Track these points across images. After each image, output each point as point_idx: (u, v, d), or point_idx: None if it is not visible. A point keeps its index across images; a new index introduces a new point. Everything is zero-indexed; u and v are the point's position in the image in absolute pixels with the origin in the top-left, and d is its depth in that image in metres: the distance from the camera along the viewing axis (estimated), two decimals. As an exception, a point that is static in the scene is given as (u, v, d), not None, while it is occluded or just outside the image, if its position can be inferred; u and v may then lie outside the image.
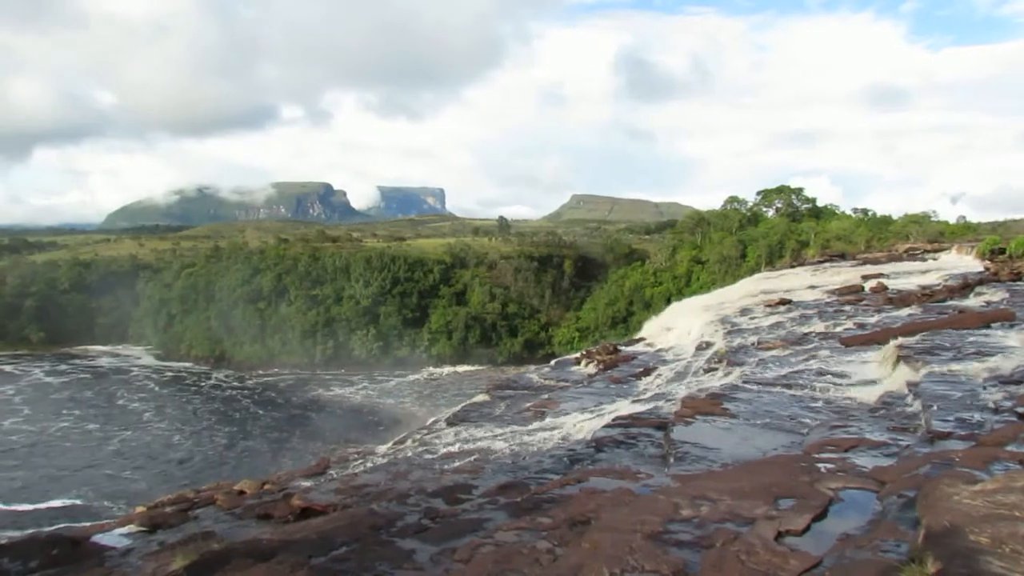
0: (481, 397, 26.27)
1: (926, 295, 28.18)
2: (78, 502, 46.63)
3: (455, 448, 17.32)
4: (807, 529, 7.37)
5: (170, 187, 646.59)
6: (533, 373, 29.94)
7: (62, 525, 33.31)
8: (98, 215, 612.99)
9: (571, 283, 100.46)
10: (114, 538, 10.72)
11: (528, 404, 22.58)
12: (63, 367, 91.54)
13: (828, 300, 33.06)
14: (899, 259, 50.15)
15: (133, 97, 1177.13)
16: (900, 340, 18.27)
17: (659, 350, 32.48)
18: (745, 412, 14.51)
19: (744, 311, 34.72)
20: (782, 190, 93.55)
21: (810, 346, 22.04)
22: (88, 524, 13.42)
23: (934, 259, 47.43)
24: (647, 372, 26.14)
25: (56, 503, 46.51)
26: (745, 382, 17.69)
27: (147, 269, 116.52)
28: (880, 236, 71.90)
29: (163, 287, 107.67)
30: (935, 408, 11.88)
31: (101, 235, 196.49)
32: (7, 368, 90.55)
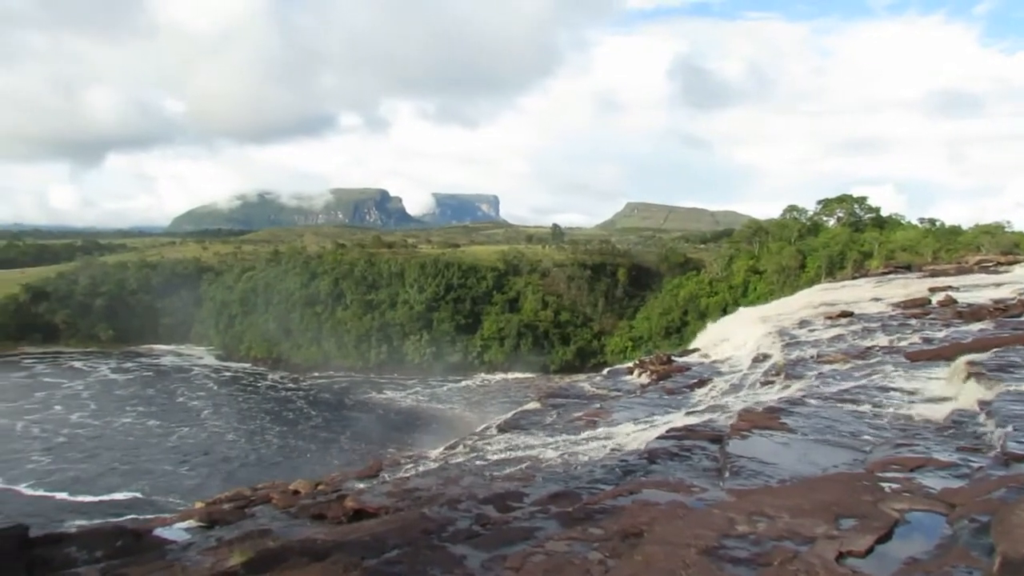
0: (532, 405, 26.14)
1: (999, 309, 26.98)
2: (138, 495, 48.33)
3: (506, 455, 17.28)
4: (870, 551, 7.08)
5: (233, 193, 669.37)
6: (585, 382, 29.75)
7: (127, 518, 34.66)
8: (165, 219, 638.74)
9: (624, 292, 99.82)
10: (174, 532, 11.02)
11: (580, 413, 22.40)
12: (128, 365, 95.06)
13: (892, 313, 31.99)
14: (969, 271, 48.13)
15: (200, 105, 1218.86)
16: (971, 356, 17.45)
17: (714, 361, 31.89)
18: (804, 427, 14.10)
19: (803, 323, 33.87)
20: (844, 199, 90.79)
21: (873, 360, 21.29)
22: (150, 517, 13.82)
23: (1008, 272, 45.41)
24: (701, 384, 25.68)
25: (118, 495, 48.23)
26: (804, 396, 17.20)
27: (210, 271, 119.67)
28: (949, 247, 69.34)
29: (225, 289, 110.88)
30: (1010, 429, 11.27)
31: (167, 238, 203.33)
32: (77, 364, 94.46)
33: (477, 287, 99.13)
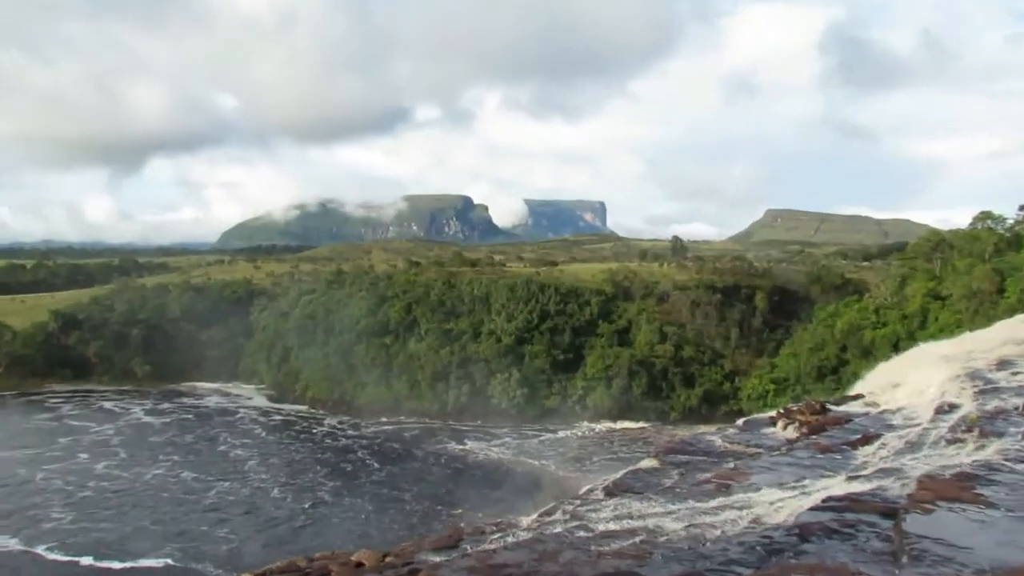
0: (648, 462, 25.50)
1: None
2: (170, 561, 50.62)
3: (615, 525, 17.03)
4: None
5: (290, 202, 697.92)
6: (715, 435, 28.94)
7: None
8: (212, 233, 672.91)
9: (764, 321, 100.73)
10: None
11: (709, 474, 21.72)
12: (166, 406, 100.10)
13: None
14: None
15: (255, 100, 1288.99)
16: None
17: (883, 412, 30.64)
18: (1008, 501, 13.29)
19: (1003, 364, 32.16)
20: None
21: (1103, 415, 20.05)
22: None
23: None
24: (867, 440, 24.61)
25: (148, 562, 50.61)
26: (1007, 460, 16.23)
27: (262, 295, 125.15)
28: None
29: (279, 316, 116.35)
30: None
31: (215, 255, 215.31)
32: (108, 405, 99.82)
33: (579, 315, 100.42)
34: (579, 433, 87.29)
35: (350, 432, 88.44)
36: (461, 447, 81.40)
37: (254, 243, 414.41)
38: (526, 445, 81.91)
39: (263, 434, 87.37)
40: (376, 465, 75.23)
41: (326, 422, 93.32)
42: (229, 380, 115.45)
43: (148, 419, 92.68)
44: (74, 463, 73.14)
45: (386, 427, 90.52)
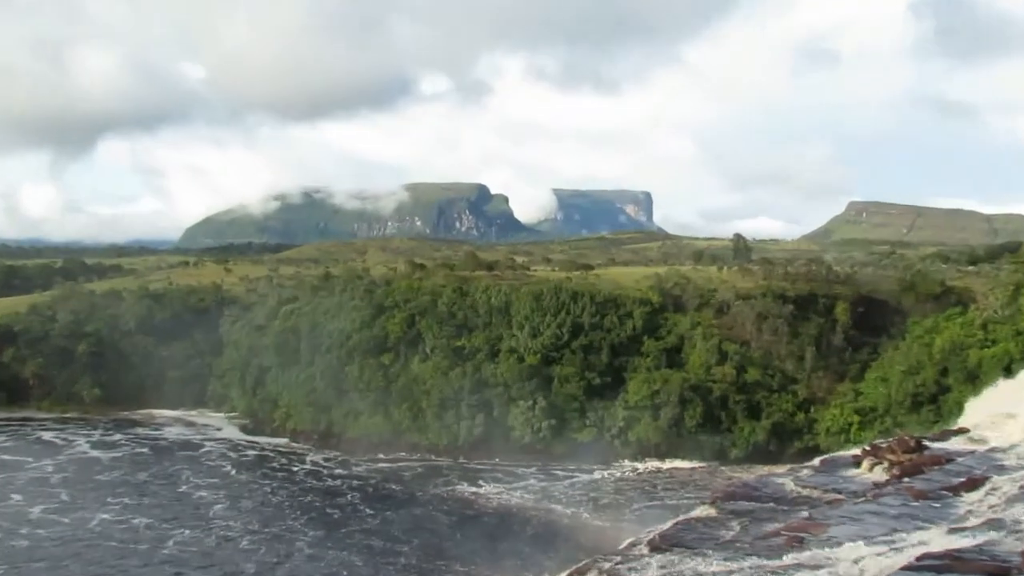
0: (703, 511, 25.89)
1: None
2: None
3: (663, 587, 17.08)
4: None
5: (269, 191, 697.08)
6: (785, 477, 29.11)
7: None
8: (175, 229, 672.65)
9: (847, 338, 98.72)
10: None
11: (778, 525, 22.05)
12: (117, 437, 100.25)
13: None
14: None
15: (227, 69, 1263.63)
16: None
17: (992, 450, 30.84)
18: None
19: None
20: None
21: None
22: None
23: None
24: (973, 484, 24.79)
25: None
26: None
27: (234, 304, 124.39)
28: None
29: (254, 330, 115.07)
30: None
31: (178, 256, 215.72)
32: (47, 436, 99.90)
33: (619, 329, 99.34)
34: (618, 474, 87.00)
35: (338, 471, 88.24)
36: (473, 490, 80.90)
37: (225, 241, 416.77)
38: (553, 488, 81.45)
39: (233, 472, 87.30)
40: (368, 511, 74.69)
41: (309, 458, 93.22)
42: (194, 407, 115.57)
43: (95, 453, 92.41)
44: (4, 506, 72.64)
45: (382, 465, 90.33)
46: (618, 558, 22.03)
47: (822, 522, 21.65)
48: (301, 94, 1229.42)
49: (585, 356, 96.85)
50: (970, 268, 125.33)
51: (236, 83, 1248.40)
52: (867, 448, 32.16)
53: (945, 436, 36.38)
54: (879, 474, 28.07)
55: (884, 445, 32.14)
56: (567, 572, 22.03)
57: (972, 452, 31.35)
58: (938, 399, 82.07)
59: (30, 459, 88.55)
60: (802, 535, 20.39)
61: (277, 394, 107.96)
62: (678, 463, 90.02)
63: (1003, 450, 31.17)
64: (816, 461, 33.00)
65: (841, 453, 35.10)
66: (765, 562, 18.31)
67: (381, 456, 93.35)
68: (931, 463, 28.55)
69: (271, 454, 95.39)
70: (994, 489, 24.48)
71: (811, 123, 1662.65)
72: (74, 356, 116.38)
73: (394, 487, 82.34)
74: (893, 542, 18.78)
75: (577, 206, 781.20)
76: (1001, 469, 27.58)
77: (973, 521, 20.79)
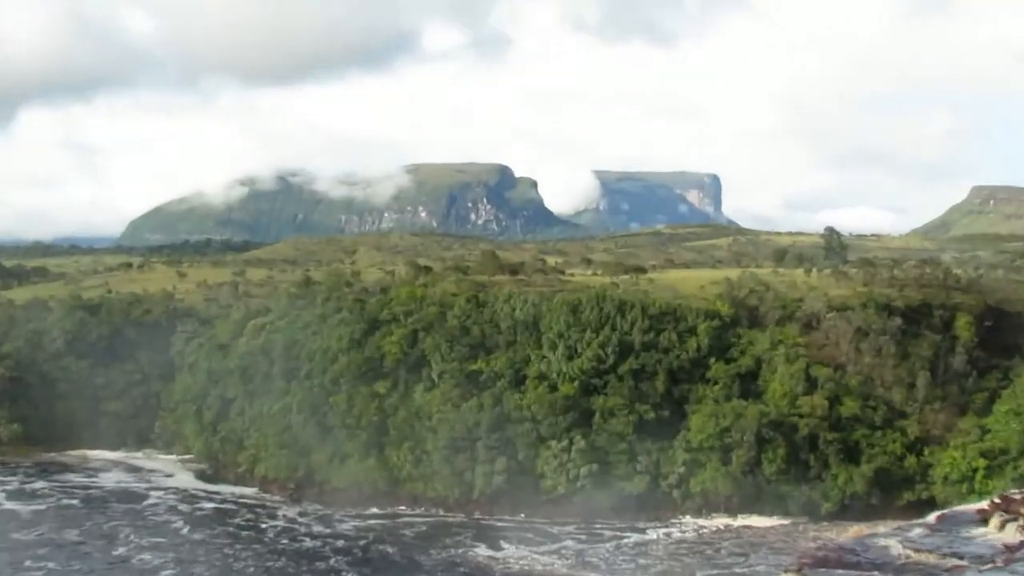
0: (789, 582, 20.37)
1: None
2: None
3: None
4: None
5: (234, 174, 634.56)
6: (891, 537, 21.39)
7: None
8: (116, 222, 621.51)
9: (970, 361, 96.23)
10: None
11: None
12: (40, 485, 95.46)
13: None
14: None
15: (180, 22, 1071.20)
16: None
17: None
18: None
19: None
20: None
21: None
22: None
23: None
24: None
25: None
26: None
27: (189, 318, 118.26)
28: None
29: (215, 350, 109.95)
30: None
31: (119, 257, 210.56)
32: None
33: (679, 350, 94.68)
34: (677, 533, 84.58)
35: (319, 529, 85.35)
36: (492, 553, 78.36)
37: (178, 237, 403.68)
38: (593, 552, 79.03)
39: (185, 530, 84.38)
40: (355, 581, 73.94)
41: (283, 512, 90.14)
42: (137, 447, 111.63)
43: (12, 505, 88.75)
44: None
45: (375, 522, 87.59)
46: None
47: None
48: (273, 52, 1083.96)
49: (635, 384, 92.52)
50: None
51: (192, 39, 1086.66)
52: (996, 500, 24.36)
53: (1099, 488, 35.08)
54: (1012, 534, 20.54)
55: (1018, 496, 24.30)
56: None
57: None
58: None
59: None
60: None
61: (243, 431, 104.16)
62: (754, 520, 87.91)
63: None
64: (931, 517, 23.58)
65: (963, 507, 25.35)
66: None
67: (374, 510, 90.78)
68: (1080, 520, 23.35)
69: (234, 507, 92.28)
70: None
71: (924, 85, 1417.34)
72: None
73: (390, 550, 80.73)
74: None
75: (625, 192, 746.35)
76: None
77: None
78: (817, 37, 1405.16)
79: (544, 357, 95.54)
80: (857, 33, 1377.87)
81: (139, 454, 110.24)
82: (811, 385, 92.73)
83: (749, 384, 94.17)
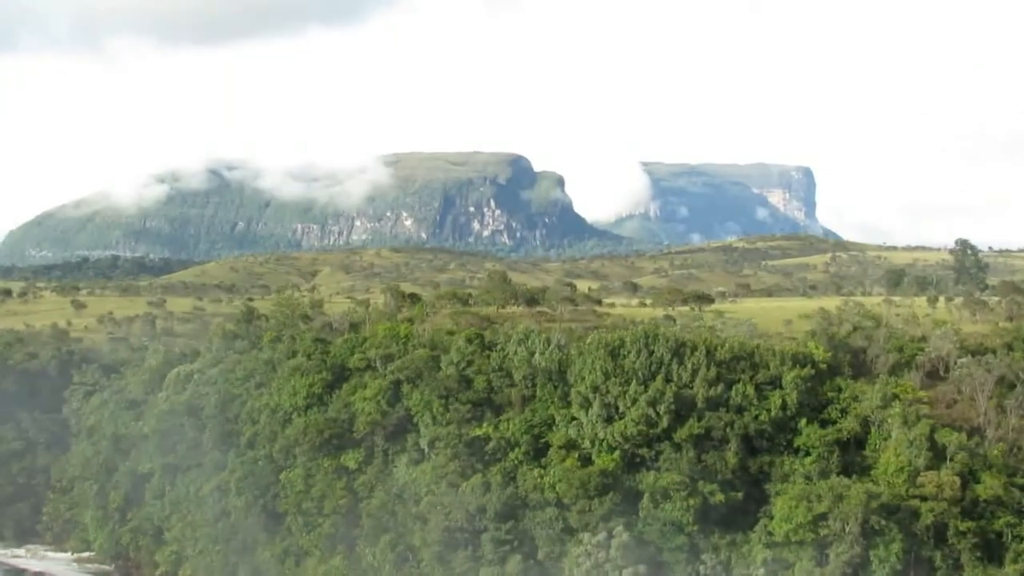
0: None
1: None
2: None
3: None
4: None
5: (150, 167, 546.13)
6: None
7: None
8: None
9: None
10: None
11: None
12: None
13: None
14: None
15: None
16: None
17: None
18: None
19: None
20: None
21: None
22: None
23: None
24: None
25: None
26: None
27: (89, 364, 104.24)
28: None
29: (123, 410, 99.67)
30: None
31: None
32: None
33: (758, 408, 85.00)
34: None
35: None
36: None
37: (73, 254, 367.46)
38: None
39: None
40: None
41: None
42: (19, 541, 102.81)
43: None
44: None
45: None
46: None
47: None
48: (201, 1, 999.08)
49: (698, 455, 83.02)
50: None
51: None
52: None
53: None
54: None
55: None
56: None
57: None
58: None
59: None
60: None
61: (162, 520, 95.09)
62: (862, 642, 79.48)
63: None
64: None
65: None
66: None
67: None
68: None
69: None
70: None
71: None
72: None
73: None
74: None
75: (684, 192, 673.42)
76: None
77: None
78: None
79: (573, 419, 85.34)
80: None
81: (21, 551, 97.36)
82: (936, 456, 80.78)
83: (853, 455, 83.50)
